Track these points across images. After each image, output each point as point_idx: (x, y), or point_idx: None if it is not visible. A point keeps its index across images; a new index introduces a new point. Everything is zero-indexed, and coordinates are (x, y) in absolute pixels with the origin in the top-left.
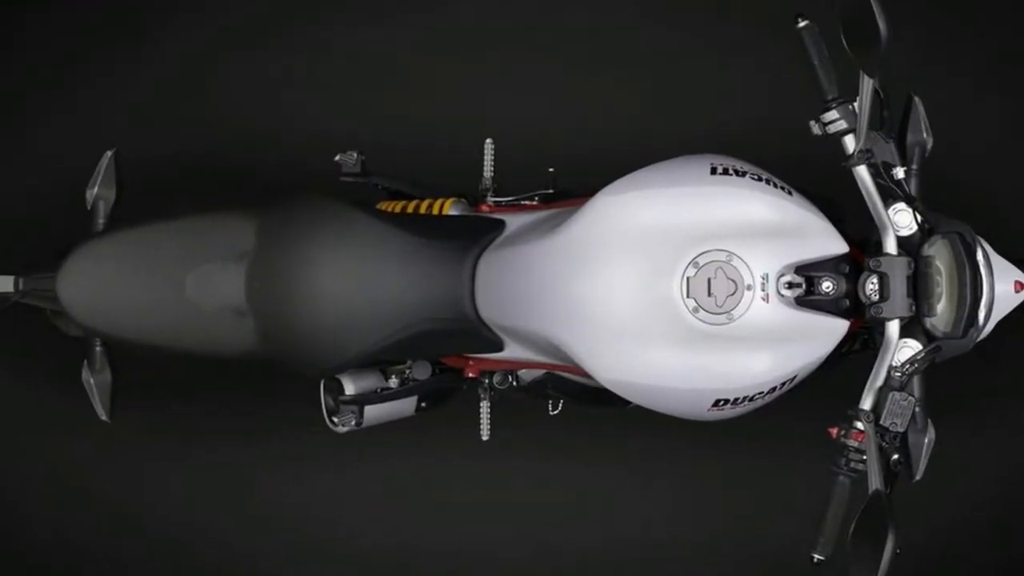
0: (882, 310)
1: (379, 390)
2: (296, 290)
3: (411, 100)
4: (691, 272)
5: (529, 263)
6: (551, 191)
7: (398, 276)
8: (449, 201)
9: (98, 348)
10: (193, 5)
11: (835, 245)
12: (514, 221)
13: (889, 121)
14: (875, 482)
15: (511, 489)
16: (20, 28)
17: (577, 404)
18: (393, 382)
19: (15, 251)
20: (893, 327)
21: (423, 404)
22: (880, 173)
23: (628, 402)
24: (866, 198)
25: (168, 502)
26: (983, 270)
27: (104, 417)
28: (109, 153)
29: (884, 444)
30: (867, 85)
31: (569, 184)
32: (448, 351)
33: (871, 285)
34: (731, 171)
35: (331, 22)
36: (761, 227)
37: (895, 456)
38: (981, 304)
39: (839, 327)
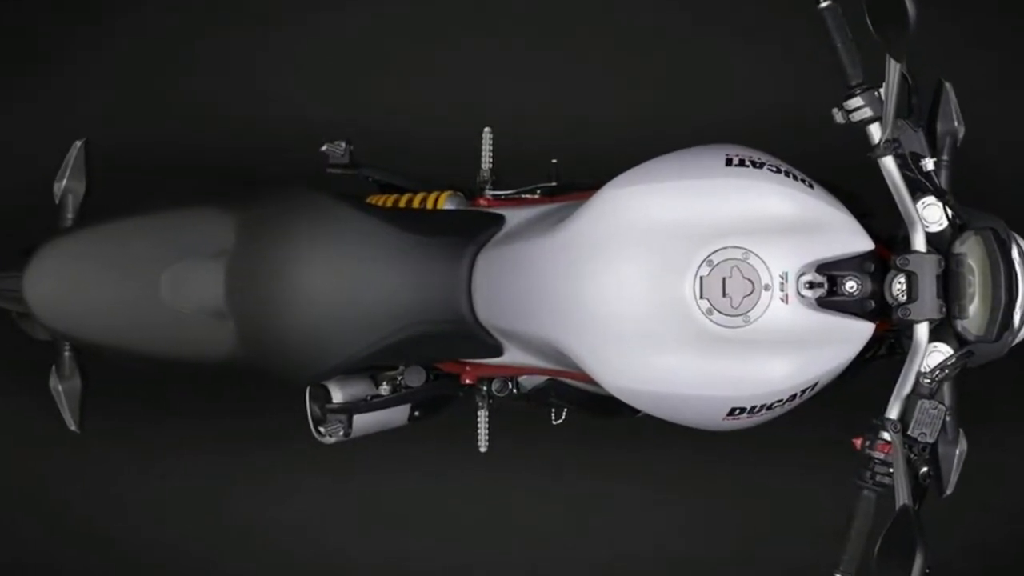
0: (910, 312)
1: (369, 398)
2: (279, 290)
3: (403, 85)
4: (704, 271)
5: (530, 261)
6: (554, 184)
7: (389, 275)
8: (444, 195)
9: (67, 353)
10: None
11: (859, 242)
12: (514, 216)
13: (918, 108)
14: (903, 496)
15: (511, 505)
16: None
17: (582, 413)
18: (384, 389)
19: None
20: (922, 330)
21: (416, 413)
22: (908, 164)
23: (637, 411)
24: (893, 191)
25: (141, 519)
26: (1019, 268)
27: (73, 427)
28: (78, 143)
29: (912, 456)
30: (894, 70)
31: (573, 176)
32: (443, 356)
33: (898, 285)
34: (747, 162)
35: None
36: (780, 222)
37: (924, 469)
38: (1017, 305)
39: (864, 330)
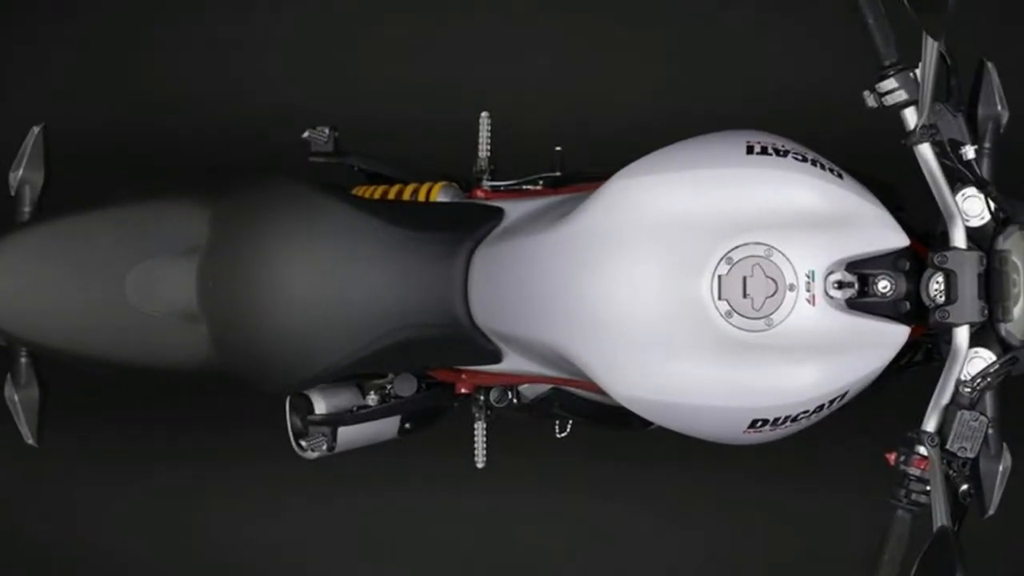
0: (949, 314)
1: (355, 409)
2: (256, 291)
3: (394, 66)
4: (724, 269)
5: (532, 258)
6: (558, 174)
7: (377, 274)
8: (438, 185)
9: (23, 359)
10: None
11: (893, 237)
12: (514, 209)
13: (957, 91)
14: (941, 517)
15: (510, 527)
16: None
17: (589, 425)
18: (371, 399)
19: None
20: (962, 334)
21: (407, 425)
22: (946, 152)
23: (649, 423)
24: (930, 182)
25: (105, 542)
26: None
27: (31, 440)
28: (36, 129)
29: (951, 472)
30: (931, 49)
31: (579, 165)
32: (436, 363)
33: (936, 285)
34: (771, 150)
35: None
36: (806, 216)
37: (964, 487)
38: None
39: (898, 334)
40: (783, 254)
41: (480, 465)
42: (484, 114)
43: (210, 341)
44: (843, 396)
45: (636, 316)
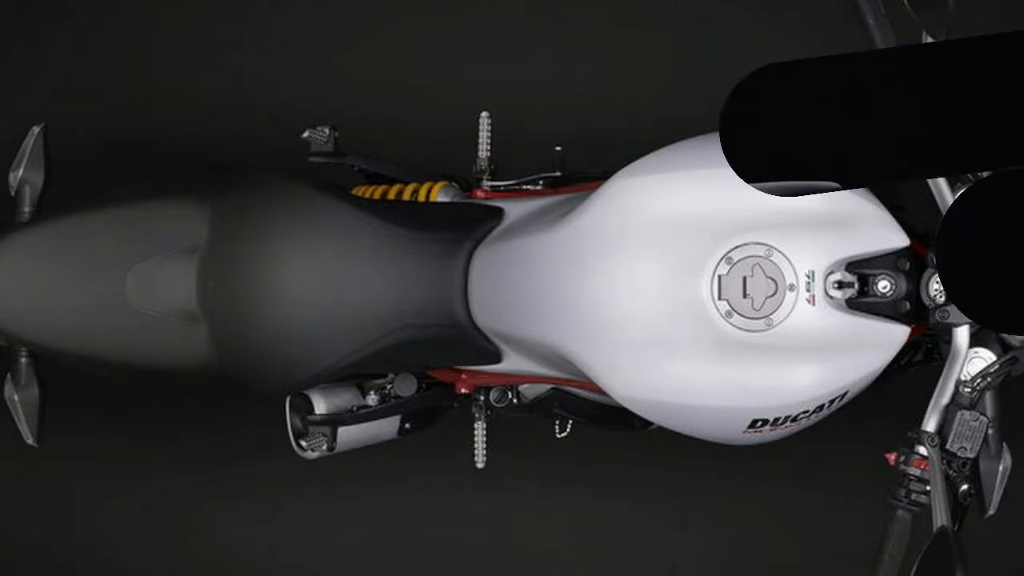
0: (949, 314)
1: (355, 409)
2: (256, 291)
3: (394, 65)
4: (723, 269)
5: (532, 258)
6: (558, 173)
7: (377, 274)
8: (437, 185)
9: (24, 359)
10: None
11: (894, 238)
12: (514, 209)
13: None
14: (940, 517)
15: (510, 527)
16: None
17: (589, 425)
18: (372, 399)
19: None
20: (962, 334)
21: (407, 425)
22: None
23: (649, 423)
24: (930, 182)
25: (102, 543)
26: None
27: (31, 441)
28: (36, 129)
29: (951, 472)
30: None
31: (579, 165)
32: (436, 363)
33: (936, 284)
34: None
35: None
36: (806, 216)
37: (964, 487)
38: None
39: (898, 334)
40: (783, 254)
41: (480, 465)
42: (484, 114)
43: (210, 341)
44: (843, 396)
45: (636, 316)
